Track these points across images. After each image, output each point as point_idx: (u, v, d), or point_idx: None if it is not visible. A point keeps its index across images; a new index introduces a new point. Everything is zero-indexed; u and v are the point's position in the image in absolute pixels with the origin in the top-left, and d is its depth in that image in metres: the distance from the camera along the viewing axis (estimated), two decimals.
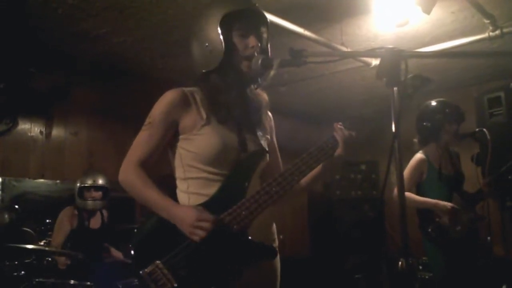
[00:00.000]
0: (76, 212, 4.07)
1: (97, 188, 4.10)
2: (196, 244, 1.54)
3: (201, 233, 1.52)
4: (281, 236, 5.27)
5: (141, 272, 1.57)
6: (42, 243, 3.59)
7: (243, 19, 1.72)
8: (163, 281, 1.55)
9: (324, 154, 1.72)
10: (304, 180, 1.78)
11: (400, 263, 1.19)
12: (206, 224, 1.52)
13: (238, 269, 1.60)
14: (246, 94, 1.79)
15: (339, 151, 1.74)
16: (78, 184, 4.10)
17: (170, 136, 1.74)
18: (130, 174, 1.68)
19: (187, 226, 1.54)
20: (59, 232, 3.93)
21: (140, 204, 1.69)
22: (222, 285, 1.57)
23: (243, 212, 1.60)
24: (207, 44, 1.71)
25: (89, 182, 4.08)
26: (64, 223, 3.97)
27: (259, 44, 1.72)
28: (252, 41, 1.70)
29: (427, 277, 4.12)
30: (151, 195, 1.64)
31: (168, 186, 1.80)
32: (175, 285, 1.54)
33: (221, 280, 1.57)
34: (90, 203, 4.06)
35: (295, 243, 6.57)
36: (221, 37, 1.67)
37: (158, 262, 1.57)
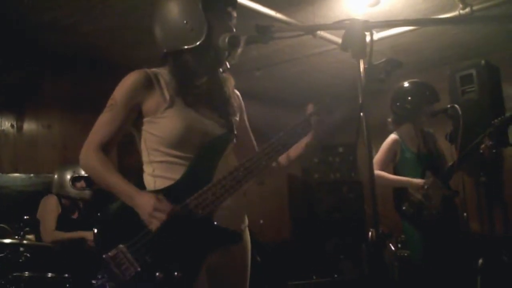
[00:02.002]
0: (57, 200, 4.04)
1: (85, 178, 4.09)
2: (160, 229, 1.53)
3: (157, 223, 1.51)
4: (261, 221, 5.29)
5: (104, 256, 1.55)
6: (17, 238, 3.51)
7: (222, 3, 1.71)
8: (126, 265, 1.54)
9: (292, 139, 1.71)
10: (282, 159, 1.79)
11: (370, 233, 1.20)
12: (160, 215, 1.50)
13: (203, 254, 1.59)
14: (214, 74, 1.77)
15: (310, 137, 1.74)
16: (63, 174, 4.06)
17: (133, 119, 1.70)
18: (91, 158, 1.65)
19: (145, 214, 1.53)
20: (50, 218, 3.89)
21: (103, 188, 1.66)
22: (186, 269, 1.56)
23: (210, 197, 1.58)
24: (185, 21, 1.66)
25: (80, 172, 4.08)
26: (53, 208, 3.95)
27: (234, 29, 1.72)
28: (231, 25, 1.71)
29: (406, 254, 4.18)
30: (114, 181, 1.61)
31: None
32: (138, 269, 1.53)
33: (186, 264, 1.56)
34: (81, 192, 4.06)
35: (276, 227, 6.60)
36: (204, 17, 1.65)
37: (121, 246, 1.55)
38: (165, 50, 1.75)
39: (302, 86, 6.53)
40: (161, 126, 1.66)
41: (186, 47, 1.68)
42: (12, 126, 4.57)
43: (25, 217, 3.87)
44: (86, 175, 4.05)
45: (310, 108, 1.76)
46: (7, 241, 3.37)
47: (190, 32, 1.66)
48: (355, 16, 4.25)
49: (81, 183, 4.08)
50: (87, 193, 4.09)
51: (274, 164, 1.78)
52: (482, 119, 3.59)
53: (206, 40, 1.65)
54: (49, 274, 3.28)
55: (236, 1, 1.75)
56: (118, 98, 1.68)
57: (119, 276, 1.53)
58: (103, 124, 1.68)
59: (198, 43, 1.66)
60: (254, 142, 1.96)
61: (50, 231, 3.81)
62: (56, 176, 4.07)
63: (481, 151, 3.11)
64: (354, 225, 6.12)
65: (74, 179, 4.06)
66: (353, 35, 1.26)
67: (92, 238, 3.65)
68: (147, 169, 1.74)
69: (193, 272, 1.57)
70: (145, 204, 1.53)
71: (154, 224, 1.51)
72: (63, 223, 3.93)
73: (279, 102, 7.05)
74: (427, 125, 3.54)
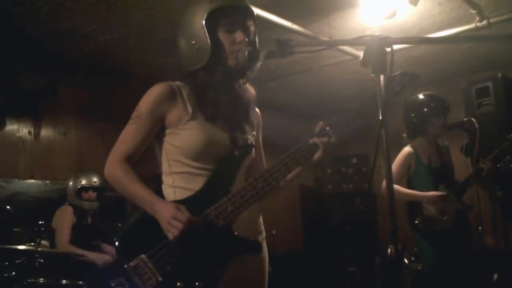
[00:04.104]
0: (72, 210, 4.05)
1: (95, 189, 4.09)
2: (181, 239, 1.53)
3: (175, 232, 1.51)
4: (273, 232, 5.30)
5: (126, 266, 1.56)
6: (32, 244, 3.55)
7: (229, 15, 1.70)
8: (148, 275, 1.55)
9: (312, 150, 1.72)
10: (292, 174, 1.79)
11: (389, 250, 1.20)
12: (178, 223, 1.51)
13: (223, 264, 1.60)
14: (234, 89, 1.78)
15: (319, 153, 1.73)
16: (75, 184, 4.07)
17: (157, 130, 1.73)
18: (116, 169, 1.67)
19: (164, 223, 1.55)
20: (64, 229, 3.90)
21: (126, 198, 1.68)
22: (207, 279, 1.57)
23: (229, 207, 1.60)
24: (193, 41, 1.69)
25: (88, 182, 4.07)
26: (68, 219, 3.96)
27: (246, 39, 1.71)
28: (239, 36, 1.69)
29: (419, 268, 4.13)
30: (136, 190, 1.63)
31: (159, 185, 1.79)
32: (160, 279, 1.54)
33: (206, 274, 1.57)
34: (87, 203, 4.07)
35: (288, 238, 6.59)
36: (207, 34, 1.66)
37: (143, 256, 1.57)
38: (184, 70, 1.78)
39: (316, 97, 6.54)
40: (183, 138, 1.68)
41: (195, 68, 1.71)
42: (29, 133, 4.63)
43: (40, 222, 3.91)
44: (94, 185, 4.07)
45: (321, 124, 1.76)
46: (22, 247, 3.40)
47: (196, 52, 1.69)
48: (370, 28, 4.29)
49: (89, 194, 4.08)
50: (95, 204, 4.11)
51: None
52: (498, 132, 3.56)
53: (213, 57, 1.67)
54: (64, 281, 3.29)
55: (243, 13, 1.74)
56: (143, 110, 1.70)
57: (141, 286, 1.54)
58: (128, 136, 1.71)
59: (205, 62, 1.68)
60: (264, 161, 1.97)
61: (64, 244, 3.81)
62: (71, 184, 4.10)
63: (498, 165, 3.09)
64: (366, 236, 6.08)
65: (82, 189, 4.06)
66: (373, 51, 1.27)
67: (100, 262, 3.68)
68: (166, 180, 1.75)
69: (213, 283, 1.58)
70: (164, 212, 1.55)
71: (172, 233, 1.52)
72: (77, 230, 3.95)
73: (294, 112, 7.06)
74: (442, 138, 3.53)
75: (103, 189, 4.11)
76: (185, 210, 1.55)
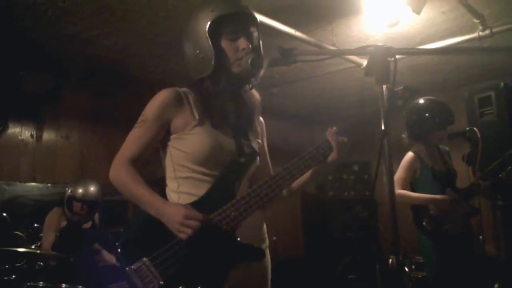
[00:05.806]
0: (63, 213, 3.97)
1: (85, 202, 3.93)
2: (184, 243, 1.54)
3: (189, 231, 1.52)
4: (274, 238, 5.28)
5: (127, 268, 1.57)
6: (33, 247, 3.54)
7: (232, 23, 1.72)
8: (149, 278, 1.55)
9: (315, 160, 1.74)
10: (296, 183, 1.80)
11: (390, 260, 1.19)
12: (194, 223, 1.52)
13: (226, 269, 1.60)
14: (239, 96, 1.79)
15: (333, 155, 1.75)
16: (68, 192, 3.96)
17: (162, 135, 1.74)
18: (120, 172, 1.68)
19: (175, 224, 1.54)
20: (48, 233, 3.85)
21: (130, 201, 1.69)
22: (209, 284, 1.57)
23: (233, 213, 1.60)
24: (198, 51, 1.71)
25: (82, 192, 3.93)
26: (54, 223, 3.89)
27: (250, 46, 1.72)
28: (242, 43, 1.70)
29: (420, 276, 4.13)
30: (141, 192, 1.64)
31: (162, 188, 1.80)
32: (161, 282, 1.54)
33: (209, 279, 1.57)
34: (76, 217, 3.94)
35: (289, 244, 6.57)
36: (210, 43, 1.67)
37: (145, 259, 1.57)
38: (191, 78, 1.79)
39: (319, 104, 6.55)
40: (189, 143, 1.69)
41: (201, 76, 1.73)
42: (31, 135, 4.64)
43: (36, 225, 3.90)
44: (84, 199, 3.92)
45: (331, 131, 1.77)
46: (22, 250, 3.38)
47: (202, 61, 1.70)
48: (374, 35, 4.29)
49: (78, 206, 3.91)
50: (84, 219, 3.99)
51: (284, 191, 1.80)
52: (500, 141, 3.56)
53: (217, 65, 1.68)
54: (64, 285, 3.29)
55: (246, 19, 1.76)
56: (149, 115, 1.71)
57: None
58: (134, 139, 1.72)
59: (210, 71, 1.69)
60: (271, 168, 1.98)
61: (46, 248, 3.71)
62: (68, 193, 3.98)
63: (500, 175, 3.08)
64: (367, 244, 6.07)
65: (72, 198, 3.91)
66: (377, 61, 1.27)
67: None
68: (171, 184, 1.76)
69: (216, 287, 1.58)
70: (174, 214, 1.55)
71: (185, 233, 1.53)
72: (68, 234, 3.85)
73: (296, 118, 7.06)
74: (442, 144, 3.52)
75: (94, 204, 3.98)
76: (194, 210, 1.56)
